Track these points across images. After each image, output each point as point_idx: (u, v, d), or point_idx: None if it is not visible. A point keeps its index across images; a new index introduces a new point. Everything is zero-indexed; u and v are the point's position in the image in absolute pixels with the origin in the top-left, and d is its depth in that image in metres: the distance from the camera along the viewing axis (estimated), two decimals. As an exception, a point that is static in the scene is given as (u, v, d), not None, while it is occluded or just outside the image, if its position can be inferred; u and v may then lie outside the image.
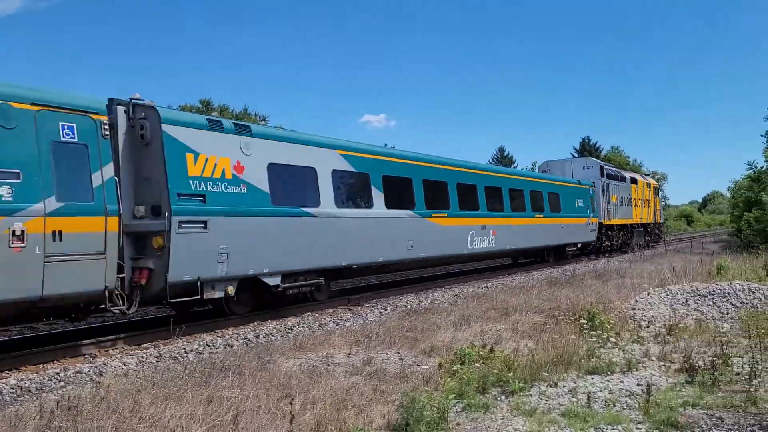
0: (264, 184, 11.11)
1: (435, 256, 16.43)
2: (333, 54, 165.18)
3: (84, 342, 9.23)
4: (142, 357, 8.45)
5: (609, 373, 6.74)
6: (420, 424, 4.75)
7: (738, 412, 5.36)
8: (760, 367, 6.38)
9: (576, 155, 71.79)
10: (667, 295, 10.93)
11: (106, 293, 8.55)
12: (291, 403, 4.98)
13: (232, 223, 10.36)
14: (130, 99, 9.65)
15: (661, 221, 40.46)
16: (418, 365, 7.05)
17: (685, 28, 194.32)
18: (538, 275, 18.97)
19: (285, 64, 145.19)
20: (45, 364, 8.13)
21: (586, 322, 8.59)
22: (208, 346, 9.18)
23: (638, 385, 6.23)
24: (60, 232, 7.94)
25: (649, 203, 35.45)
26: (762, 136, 28.80)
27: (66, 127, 8.32)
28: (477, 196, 17.99)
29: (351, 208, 13.33)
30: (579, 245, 26.67)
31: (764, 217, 25.48)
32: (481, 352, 6.89)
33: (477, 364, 6.54)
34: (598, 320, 8.61)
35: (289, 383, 6.03)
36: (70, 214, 8.10)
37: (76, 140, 8.40)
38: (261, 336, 9.93)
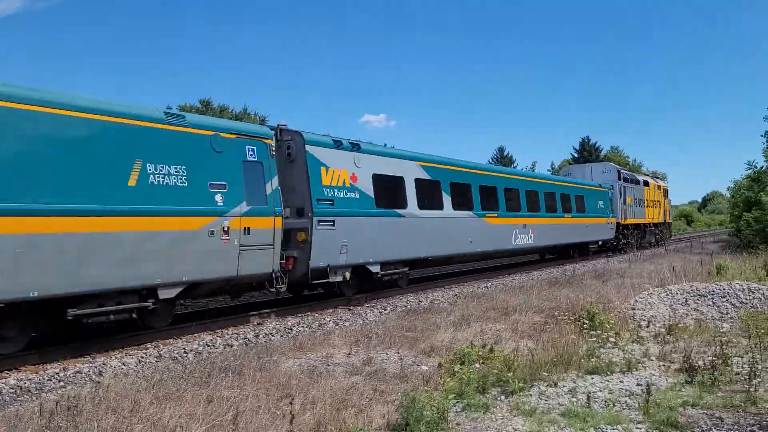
0: (370, 191, 13.94)
1: (487, 251, 19.23)
2: (333, 54, 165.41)
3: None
4: (142, 357, 8.45)
5: (609, 373, 6.74)
6: (420, 423, 4.75)
7: (738, 411, 5.36)
8: (759, 367, 6.39)
9: (576, 155, 71.97)
10: (667, 295, 10.93)
11: (273, 275, 11.24)
12: (291, 403, 4.98)
13: (350, 221, 13.04)
14: (278, 125, 12.54)
15: (670, 221, 43.28)
16: (417, 365, 7.05)
17: (685, 28, 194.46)
18: (538, 275, 18.99)
19: (285, 64, 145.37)
20: (45, 364, 8.12)
21: (585, 322, 8.59)
22: (208, 346, 9.18)
23: (638, 385, 6.23)
24: (248, 229, 10.57)
25: (660, 204, 37.83)
26: (762, 136, 28.82)
27: (250, 149, 10.98)
28: (519, 198, 20.77)
29: (428, 210, 15.84)
30: (600, 242, 28.75)
31: (764, 217, 25.47)
32: (481, 352, 6.89)
33: (477, 364, 6.55)
34: (597, 320, 8.61)
35: (288, 383, 6.03)
36: (254, 215, 10.70)
37: (256, 159, 11.05)
38: (261, 336, 9.93)
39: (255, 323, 11.16)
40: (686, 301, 10.58)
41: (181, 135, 9.84)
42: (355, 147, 13.93)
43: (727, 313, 9.86)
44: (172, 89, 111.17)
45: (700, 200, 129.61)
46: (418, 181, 15.61)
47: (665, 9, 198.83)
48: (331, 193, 12.77)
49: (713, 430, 4.95)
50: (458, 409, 5.51)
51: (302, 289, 13.64)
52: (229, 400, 5.32)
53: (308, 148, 12.45)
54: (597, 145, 71.85)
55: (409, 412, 4.83)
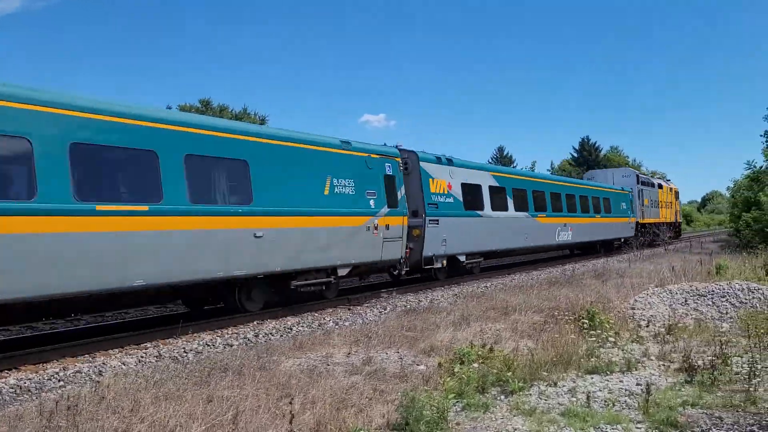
0: (460, 196, 17.63)
1: (538, 245, 23.26)
2: (333, 54, 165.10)
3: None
4: (142, 356, 8.45)
5: (608, 372, 6.74)
6: (420, 423, 4.75)
7: (737, 411, 5.36)
8: (759, 366, 6.39)
9: (575, 155, 72.09)
10: (667, 294, 10.93)
11: (400, 261, 14.87)
12: (291, 403, 4.98)
13: (448, 221, 16.70)
14: (396, 146, 15.85)
15: (680, 221, 47.25)
16: (417, 365, 7.05)
17: (685, 28, 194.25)
18: (537, 275, 19.00)
19: (285, 64, 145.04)
20: (44, 364, 8.13)
21: (585, 321, 8.59)
22: (208, 345, 9.18)
23: (638, 384, 6.23)
24: (388, 225, 14.17)
25: (671, 205, 41.70)
26: (761, 135, 28.86)
27: (388, 165, 14.72)
28: (561, 201, 24.42)
29: (498, 211, 19.57)
30: (622, 239, 31.89)
31: (763, 217, 25.48)
32: (481, 352, 6.89)
33: (476, 364, 6.55)
34: (597, 320, 8.61)
35: (288, 383, 6.03)
36: (391, 215, 14.37)
37: (391, 173, 14.75)
38: (260, 336, 9.93)
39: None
40: (686, 300, 10.58)
41: (350, 157, 13.48)
42: (449, 161, 17.70)
43: (727, 313, 9.86)
44: (172, 89, 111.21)
45: (699, 200, 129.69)
46: (491, 187, 19.30)
47: (665, 9, 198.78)
48: (436, 198, 16.49)
49: (713, 429, 4.95)
50: (458, 409, 5.51)
51: (414, 273, 16.87)
52: (229, 400, 5.32)
53: (421, 164, 16.18)
54: (597, 145, 71.99)
55: (408, 412, 4.83)
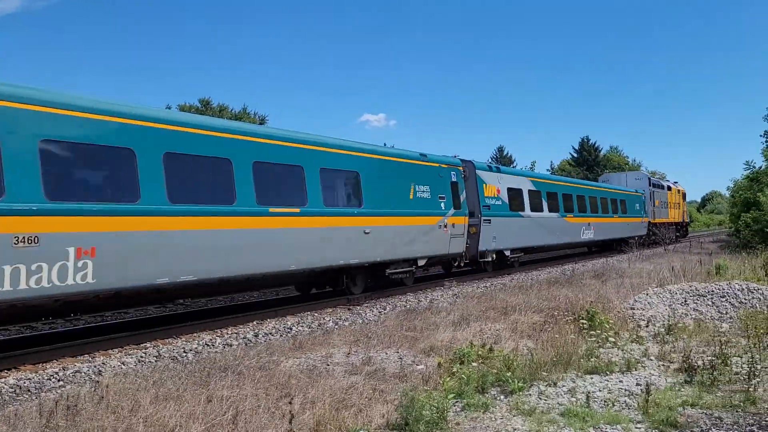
0: (506, 199, 20.25)
1: (566, 242, 25.98)
2: (333, 54, 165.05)
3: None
4: (141, 356, 8.44)
5: (608, 372, 6.73)
6: (419, 423, 4.75)
7: (737, 411, 5.36)
8: (758, 366, 6.39)
9: (575, 155, 72.03)
10: (667, 294, 10.92)
11: (461, 254, 17.46)
12: (290, 403, 4.98)
13: (498, 220, 19.29)
14: (455, 156, 18.32)
15: (687, 220, 50.75)
16: (417, 365, 7.05)
17: (685, 28, 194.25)
18: (537, 275, 19.00)
19: (285, 63, 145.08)
20: (44, 363, 8.12)
21: (585, 321, 8.59)
22: (207, 345, 9.18)
23: (637, 384, 6.23)
24: (453, 224, 16.71)
25: (679, 206, 44.38)
26: (761, 135, 28.87)
27: (453, 173, 17.37)
28: (585, 202, 27.13)
29: (535, 212, 22.26)
30: (636, 238, 34.13)
31: (762, 217, 25.47)
32: (481, 352, 6.89)
33: (476, 364, 6.55)
34: (597, 320, 8.60)
35: (288, 383, 6.03)
36: (456, 216, 16.94)
37: (455, 180, 17.39)
38: (260, 335, 9.92)
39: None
40: (685, 300, 10.58)
41: (426, 167, 16.19)
42: (497, 169, 20.91)
43: (727, 313, 9.86)
44: (172, 89, 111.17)
45: (699, 200, 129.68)
46: (529, 191, 22.04)
47: (665, 9, 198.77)
48: (488, 201, 19.02)
49: (712, 429, 4.95)
50: (458, 409, 5.50)
51: (471, 265, 19.70)
52: (229, 400, 5.31)
53: (477, 171, 18.80)
54: (596, 145, 71.87)
55: (408, 412, 4.83)
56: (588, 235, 27.05)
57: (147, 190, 9.01)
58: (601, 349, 7.64)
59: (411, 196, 15.24)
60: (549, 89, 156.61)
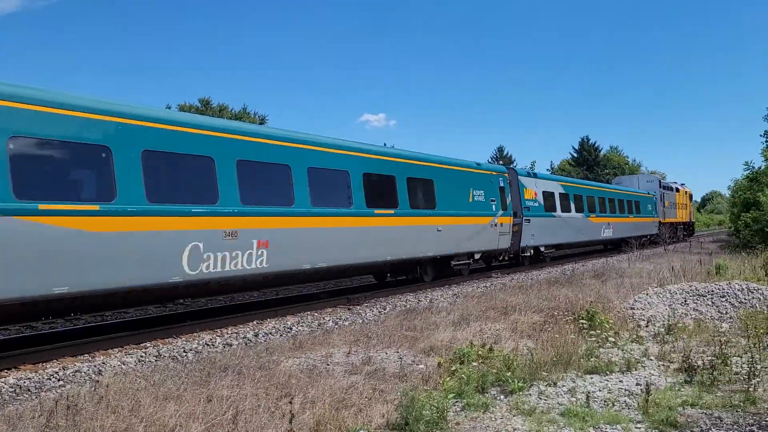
0: (541, 201, 22.64)
1: (590, 240, 28.45)
2: (333, 54, 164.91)
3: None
4: (142, 356, 8.44)
5: (608, 372, 6.74)
6: (419, 423, 4.76)
7: (737, 411, 5.36)
8: (758, 366, 6.39)
9: (575, 155, 72.03)
10: (667, 294, 10.93)
11: (507, 250, 19.87)
12: (290, 403, 4.98)
13: (536, 220, 21.81)
14: (500, 163, 19.96)
15: (693, 220, 53.32)
16: (417, 364, 7.05)
17: (685, 28, 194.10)
18: (537, 275, 19.02)
19: (285, 63, 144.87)
20: (44, 363, 8.12)
21: (585, 321, 8.59)
22: (208, 345, 9.18)
23: (637, 384, 6.23)
24: (501, 223, 19.09)
25: (686, 206, 46.94)
26: (761, 135, 28.89)
27: (500, 179, 19.69)
28: (605, 203, 29.65)
29: (565, 213, 24.83)
30: (648, 236, 36.16)
31: (762, 217, 25.49)
32: (480, 352, 6.89)
33: (476, 364, 6.55)
34: (597, 320, 8.60)
35: (288, 382, 6.03)
36: (503, 216, 19.27)
37: (503, 185, 19.67)
38: (260, 335, 9.93)
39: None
40: (685, 300, 10.58)
41: (480, 174, 18.66)
42: (534, 175, 23.43)
43: (726, 313, 9.86)
44: (172, 89, 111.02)
45: (699, 200, 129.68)
46: (560, 194, 24.56)
47: (665, 9, 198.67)
48: (528, 203, 21.46)
49: (712, 429, 4.96)
50: (458, 409, 5.51)
51: (513, 259, 21.74)
52: (229, 400, 5.32)
53: (519, 177, 21.38)
54: (596, 145, 71.89)
55: (408, 412, 4.83)
56: (607, 234, 29.59)
57: (298, 197, 11.82)
58: (601, 349, 7.64)
59: (470, 199, 17.71)
60: (549, 89, 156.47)
